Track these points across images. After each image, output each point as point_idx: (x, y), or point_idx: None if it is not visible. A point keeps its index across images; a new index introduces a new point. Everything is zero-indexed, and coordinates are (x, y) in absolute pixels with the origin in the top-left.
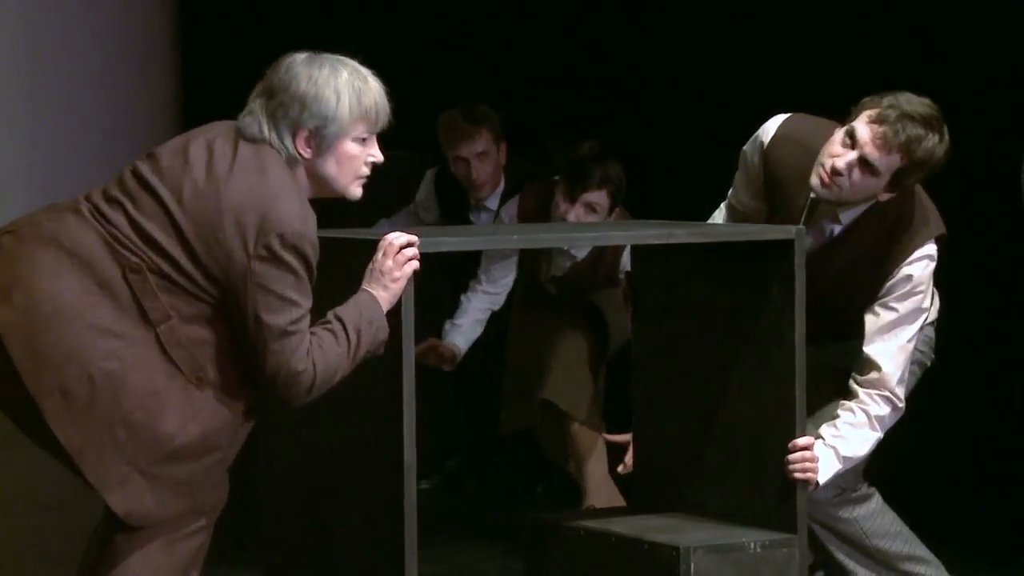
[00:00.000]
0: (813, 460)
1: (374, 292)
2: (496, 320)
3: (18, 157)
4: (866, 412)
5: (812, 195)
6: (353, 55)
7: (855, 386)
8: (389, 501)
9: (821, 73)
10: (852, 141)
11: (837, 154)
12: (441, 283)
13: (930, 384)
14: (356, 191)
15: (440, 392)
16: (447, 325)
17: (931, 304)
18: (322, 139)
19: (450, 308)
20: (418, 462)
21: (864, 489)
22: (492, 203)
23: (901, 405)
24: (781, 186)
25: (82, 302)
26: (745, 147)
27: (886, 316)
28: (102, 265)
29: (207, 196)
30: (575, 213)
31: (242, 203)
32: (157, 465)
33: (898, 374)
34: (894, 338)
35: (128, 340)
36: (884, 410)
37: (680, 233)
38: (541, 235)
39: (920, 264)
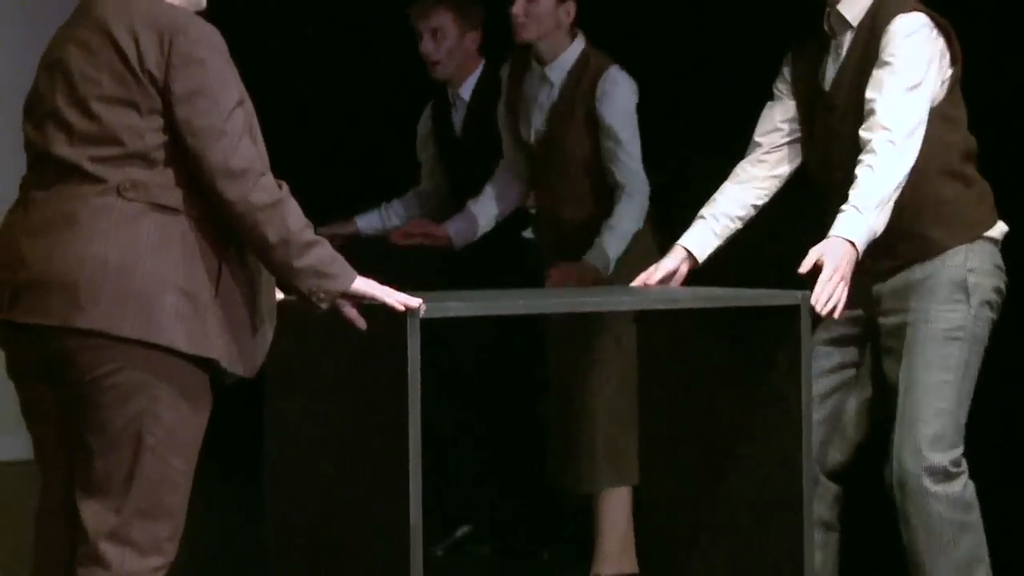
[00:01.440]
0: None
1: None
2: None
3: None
4: (867, 167)
5: (826, 27)
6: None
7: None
8: (396, 567)
9: None
10: None
11: None
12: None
13: None
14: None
15: (449, 459)
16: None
17: (932, 68)
18: None
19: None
20: (425, 528)
21: (966, 475)
22: (465, 92)
23: (908, 150)
24: (804, 56)
25: (55, 233)
26: (774, 87)
27: (882, 68)
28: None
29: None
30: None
31: (131, 32)
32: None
33: (895, 115)
34: (893, 83)
35: (106, 217)
36: (881, 154)
37: (685, 298)
38: (546, 300)
39: (902, 27)
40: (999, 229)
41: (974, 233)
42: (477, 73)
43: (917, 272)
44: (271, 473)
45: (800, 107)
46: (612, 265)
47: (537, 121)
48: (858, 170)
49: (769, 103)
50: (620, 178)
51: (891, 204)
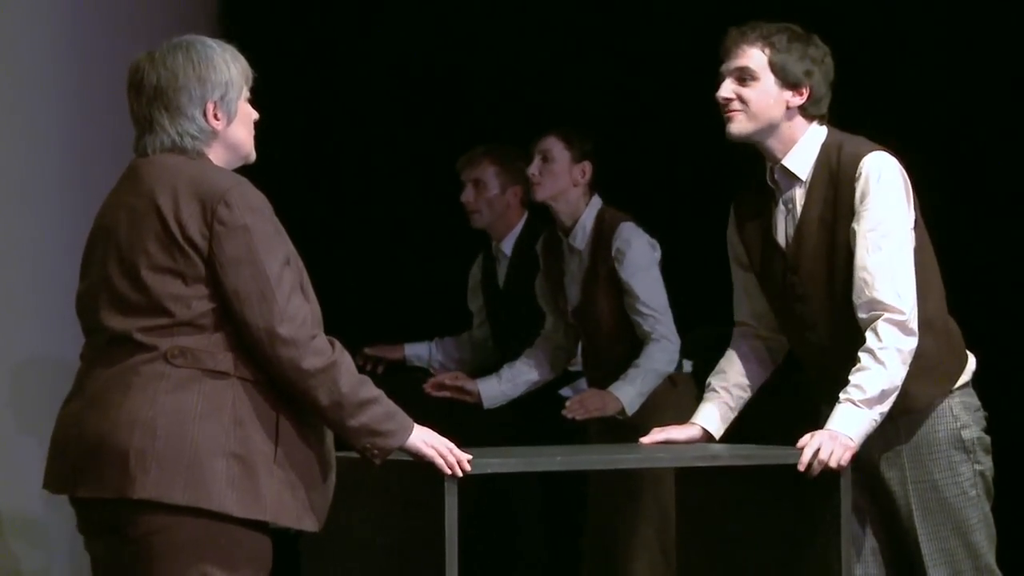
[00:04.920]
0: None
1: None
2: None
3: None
4: (870, 352)
5: (771, 182)
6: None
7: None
8: None
9: None
10: (721, 76)
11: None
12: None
13: None
14: (254, 153)
15: None
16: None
17: (910, 211)
18: (228, 105)
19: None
20: None
21: None
22: (507, 246)
23: (911, 326)
24: (749, 213)
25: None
26: (728, 247)
27: (864, 225)
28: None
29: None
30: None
31: (174, 201)
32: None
33: (892, 288)
34: (878, 251)
35: (155, 384)
36: (886, 339)
37: (724, 456)
38: (583, 457)
39: (873, 170)
40: (971, 367)
41: (954, 382)
42: (519, 228)
43: (903, 429)
44: None
45: (757, 268)
46: (638, 402)
47: (572, 293)
48: (864, 357)
49: (735, 275)
50: (646, 327)
51: (899, 389)
